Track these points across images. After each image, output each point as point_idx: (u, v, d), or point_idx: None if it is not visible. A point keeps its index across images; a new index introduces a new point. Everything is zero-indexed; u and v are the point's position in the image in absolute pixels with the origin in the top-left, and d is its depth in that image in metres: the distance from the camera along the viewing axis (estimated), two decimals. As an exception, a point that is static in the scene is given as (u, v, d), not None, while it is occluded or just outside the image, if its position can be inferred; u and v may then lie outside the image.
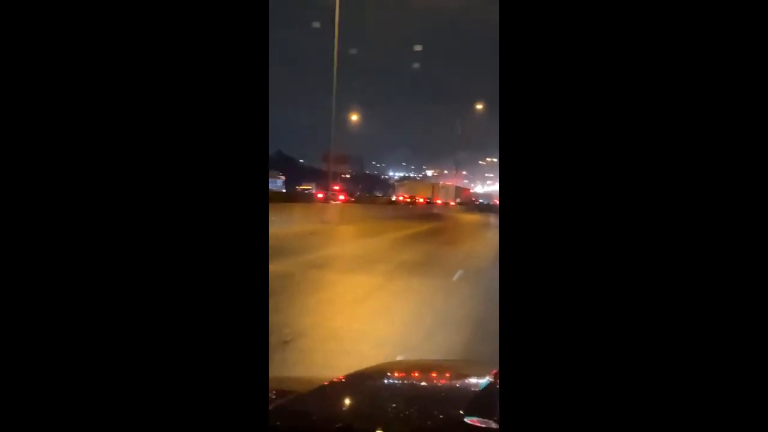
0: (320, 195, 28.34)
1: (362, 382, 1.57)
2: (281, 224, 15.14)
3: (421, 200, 46.81)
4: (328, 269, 8.32)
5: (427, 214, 33.76)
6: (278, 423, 1.11)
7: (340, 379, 1.56)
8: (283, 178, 34.16)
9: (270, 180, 32.51)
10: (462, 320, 5.31)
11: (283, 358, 3.78)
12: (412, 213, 32.05)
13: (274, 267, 7.86)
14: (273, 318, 3.19)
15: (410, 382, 1.70)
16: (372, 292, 6.67)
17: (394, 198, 52.50)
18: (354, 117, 53.14)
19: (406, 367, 2.03)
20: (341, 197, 33.67)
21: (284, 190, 31.57)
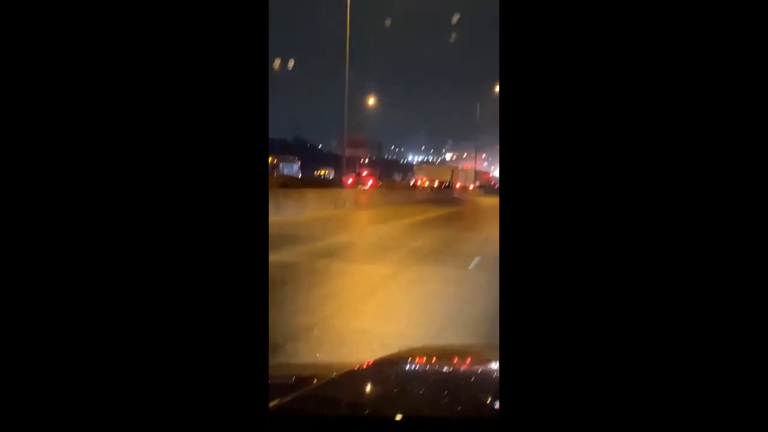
0: (350, 180, 28.10)
1: (388, 367, 1.56)
2: (295, 210, 14.75)
3: (440, 184, 46.44)
4: (337, 258, 7.85)
5: (446, 198, 33.07)
6: (302, 408, 1.11)
7: (366, 364, 1.56)
8: (299, 162, 33.66)
9: (286, 165, 32.23)
10: (476, 319, 4.80)
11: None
12: (430, 197, 31.45)
13: (280, 256, 7.44)
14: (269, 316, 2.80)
15: (437, 367, 1.66)
16: (380, 283, 6.21)
17: (412, 182, 52.14)
18: (372, 101, 52.69)
19: (432, 352, 1.97)
20: (370, 182, 33.40)
21: (300, 175, 31.10)
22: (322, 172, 53.12)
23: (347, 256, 8.31)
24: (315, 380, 1.34)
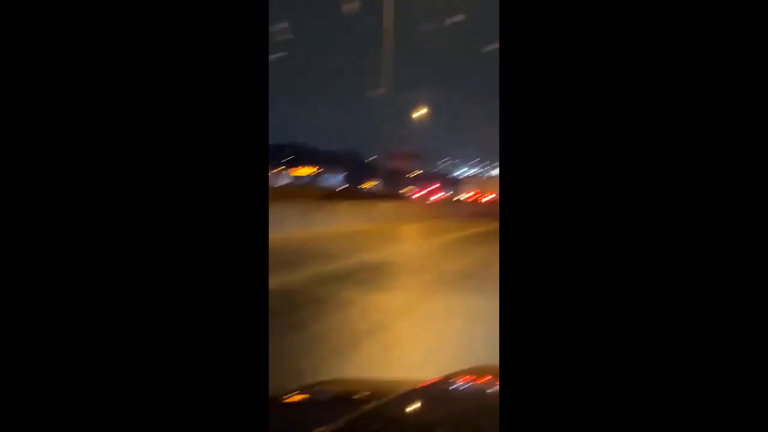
0: (415, 196, 27.21)
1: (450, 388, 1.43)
2: (327, 223, 13.70)
3: (489, 197, 45.09)
4: (350, 282, 6.68)
5: (493, 212, 31.59)
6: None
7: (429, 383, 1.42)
8: (342, 174, 32.82)
9: (329, 176, 31.41)
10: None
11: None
12: (477, 211, 30.00)
13: (286, 279, 6.34)
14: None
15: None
16: (389, 319, 5.01)
17: (461, 196, 50.82)
18: (420, 112, 51.63)
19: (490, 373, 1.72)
20: (436, 196, 32.34)
21: (343, 187, 30.23)
22: (370, 184, 52.42)
23: (363, 279, 7.12)
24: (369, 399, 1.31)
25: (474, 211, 28.41)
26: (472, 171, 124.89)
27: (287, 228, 10.92)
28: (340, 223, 14.49)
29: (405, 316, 5.16)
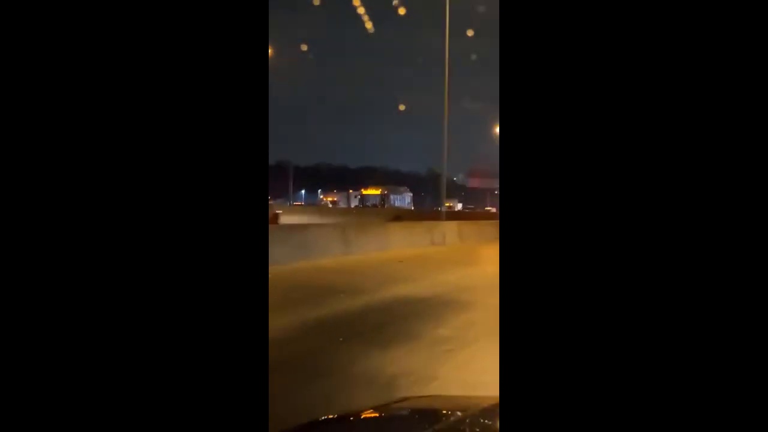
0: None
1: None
2: (375, 247, 12.08)
3: None
4: (357, 332, 4.97)
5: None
6: None
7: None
8: (410, 194, 31.31)
9: (397, 196, 29.94)
10: None
11: None
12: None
13: (278, 325, 4.76)
14: None
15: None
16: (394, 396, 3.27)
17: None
18: (498, 129, 49.51)
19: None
20: None
21: (412, 208, 28.62)
22: (448, 204, 50.77)
23: (380, 324, 5.38)
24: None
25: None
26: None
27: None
28: (395, 247, 12.81)
29: (416, 388, 3.40)
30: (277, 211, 25.03)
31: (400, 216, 24.35)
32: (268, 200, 0.98)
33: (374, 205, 29.14)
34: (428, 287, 7.66)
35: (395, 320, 5.52)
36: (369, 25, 16.33)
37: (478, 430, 1.18)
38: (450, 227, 16.75)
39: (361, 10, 15.51)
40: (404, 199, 31.12)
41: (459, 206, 51.84)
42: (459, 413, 1.28)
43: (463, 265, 10.61)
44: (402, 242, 13.35)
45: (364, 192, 28.85)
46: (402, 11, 15.77)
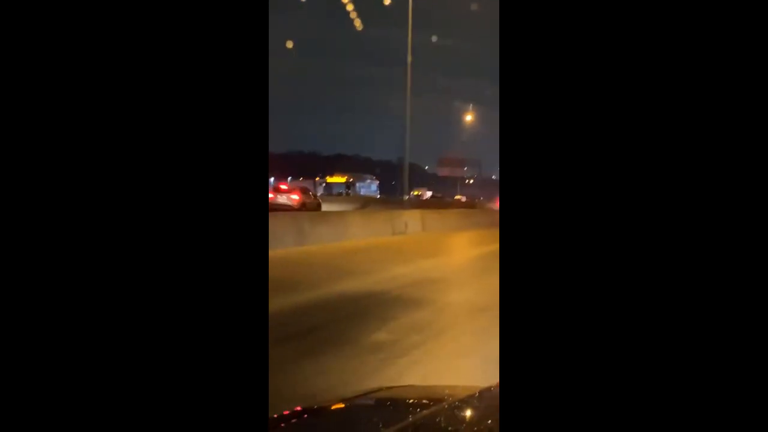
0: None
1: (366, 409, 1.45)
2: (335, 236, 11.44)
3: None
4: (282, 337, 4.34)
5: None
6: None
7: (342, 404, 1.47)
8: (377, 181, 30.43)
9: (363, 184, 29.20)
10: None
11: None
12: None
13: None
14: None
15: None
16: None
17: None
18: (470, 117, 49.35)
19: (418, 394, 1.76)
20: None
21: (378, 196, 27.89)
22: (416, 193, 50.47)
23: (314, 327, 4.77)
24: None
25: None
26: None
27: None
28: (356, 236, 12.19)
29: None
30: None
31: (366, 204, 23.64)
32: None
33: (339, 194, 28.32)
34: (380, 281, 7.07)
35: (332, 322, 4.91)
36: (358, 23, 16.70)
37: (453, 420, 1.20)
38: (413, 216, 16.18)
39: (350, 7, 15.97)
40: (370, 187, 30.39)
41: (428, 194, 51.50)
42: (434, 404, 1.30)
43: (422, 256, 10.03)
44: (361, 232, 12.73)
45: (329, 180, 27.99)
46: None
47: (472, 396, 1.32)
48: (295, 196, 20.27)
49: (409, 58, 17.79)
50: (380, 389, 1.85)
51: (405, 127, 18.15)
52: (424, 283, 7.06)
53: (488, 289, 6.42)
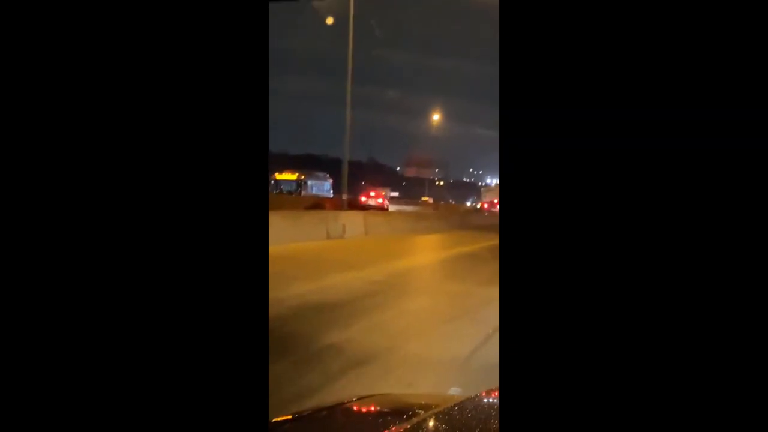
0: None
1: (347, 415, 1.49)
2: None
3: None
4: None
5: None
6: None
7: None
8: (330, 181, 28.86)
9: (316, 183, 27.50)
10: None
11: None
12: (481, 224, 25.67)
13: None
14: None
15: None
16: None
17: (478, 205, 46.89)
18: (436, 116, 48.18)
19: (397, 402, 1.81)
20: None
21: (332, 195, 26.20)
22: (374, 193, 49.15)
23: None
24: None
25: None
26: (496, 181, 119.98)
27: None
28: (290, 240, 10.46)
29: None
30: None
31: (318, 204, 22.03)
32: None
33: (290, 192, 26.48)
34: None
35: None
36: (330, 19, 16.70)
37: (443, 427, 1.20)
38: (353, 218, 14.51)
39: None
40: (323, 186, 28.73)
41: (391, 195, 50.28)
42: (420, 411, 1.29)
43: (341, 268, 8.28)
44: (286, 235, 10.98)
45: (278, 177, 26.23)
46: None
47: (457, 404, 1.33)
48: None
49: (350, 64, 16.69)
50: (353, 399, 1.65)
51: (346, 126, 16.86)
52: (306, 313, 5.39)
53: (446, 301, 4.79)
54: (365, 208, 23.44)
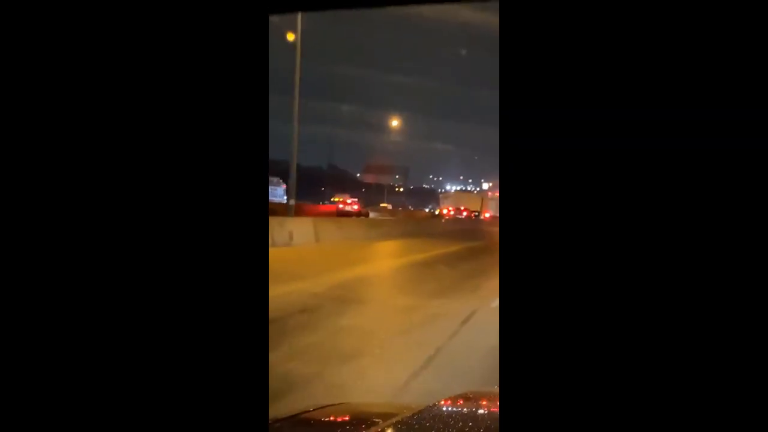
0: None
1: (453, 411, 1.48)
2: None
3: (469, 214, 41.21)
4: None
5: (461, 230, 26.48)
6: None
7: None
8: (284, 186, 28.10)
9: (270, 189, 26.68)
10: None
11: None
12: (441, 230, 25.19)
13: None
14: None
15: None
16: None
17: (437, 212, 46.67)
18: (395, 122, 47.99)
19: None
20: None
21: (285, 200, 25.42)
22: (337, 199, 48.98)
23: None
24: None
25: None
26: (458, 187, 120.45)
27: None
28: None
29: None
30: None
31: (274, 210, 21.41)
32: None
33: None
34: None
35: None
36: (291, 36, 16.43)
37: None
38: (301, 224, 13.87)
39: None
40: (275, 191, 27.92)
41: (349, 201, 50.04)
42: (378, 421, 1.29)
43: (289, 279, 7.63)
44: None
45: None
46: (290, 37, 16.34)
47: (416, 414, 1.31)
48: None
49: (298, 75, 16.59)
50: (310, 410, 1.61)
51: (294, 131, 16.82)
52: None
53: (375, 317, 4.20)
54: (345, 215, 23.63)
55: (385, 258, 11.45)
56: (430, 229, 22.90)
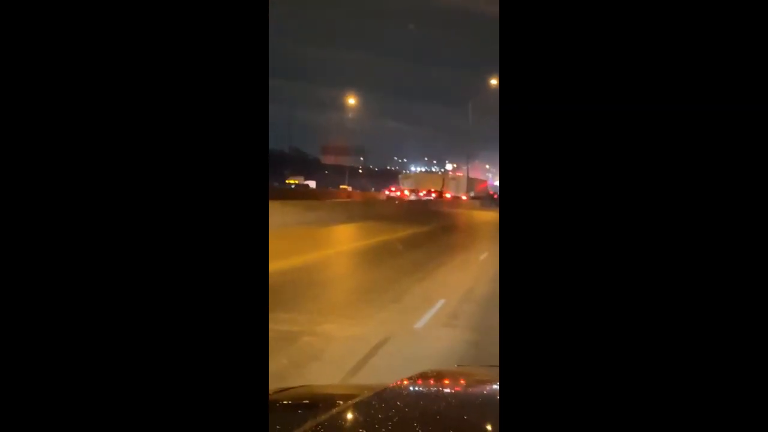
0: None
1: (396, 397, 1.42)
2: None
3: (429, 194, 39.67)
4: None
5: (426, 211, 24.79)
6: None
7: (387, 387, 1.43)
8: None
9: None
10: None
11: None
12: (406, 210, 23.38)
13: None
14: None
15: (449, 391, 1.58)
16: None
17: (397, 193, 44.98)
18: (352, 100, 45.97)
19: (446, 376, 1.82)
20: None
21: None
22: (293, 181, 47.07)
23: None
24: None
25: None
26: (422, 168, 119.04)
27: None
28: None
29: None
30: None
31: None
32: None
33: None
34: None
35: None
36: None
37: (355, 420, 1.18)
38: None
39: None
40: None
41: (312, 183, 48.28)
42: (339, 402, 1.28)
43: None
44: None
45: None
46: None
47: (376, 394, 1.30)
48: None
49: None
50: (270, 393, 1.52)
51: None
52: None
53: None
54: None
55: (298, 253, 9.49)
56: (380, 211, 21.01)
